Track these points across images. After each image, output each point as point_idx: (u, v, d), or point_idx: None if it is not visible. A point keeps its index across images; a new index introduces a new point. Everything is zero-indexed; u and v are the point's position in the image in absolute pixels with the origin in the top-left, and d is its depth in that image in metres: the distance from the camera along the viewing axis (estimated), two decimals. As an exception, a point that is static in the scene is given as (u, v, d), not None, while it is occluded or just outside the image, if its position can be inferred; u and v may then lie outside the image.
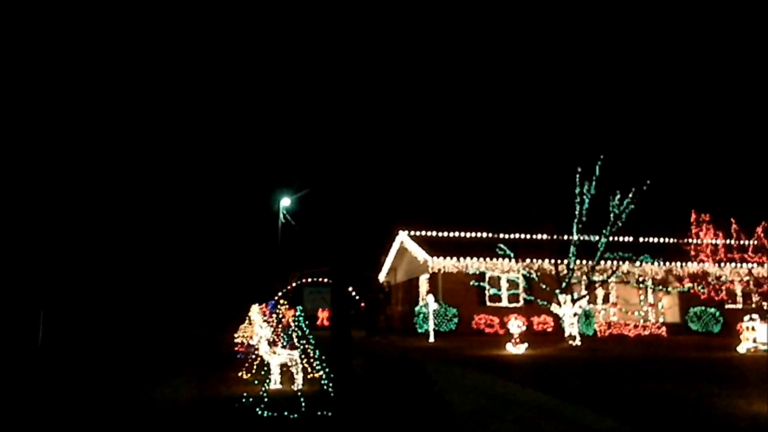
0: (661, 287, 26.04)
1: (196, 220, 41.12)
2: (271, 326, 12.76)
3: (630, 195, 20.59)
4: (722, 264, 24.59)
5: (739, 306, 28.14)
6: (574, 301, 20.83)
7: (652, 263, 25.56)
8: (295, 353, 11.50)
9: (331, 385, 9.97)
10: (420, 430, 7.33)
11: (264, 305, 14.94)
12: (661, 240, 29.84)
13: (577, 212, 21.28)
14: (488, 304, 27.43)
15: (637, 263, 24.77)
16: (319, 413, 8.68)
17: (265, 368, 11.40)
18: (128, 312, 29.64)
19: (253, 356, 12.36)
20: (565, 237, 22.50)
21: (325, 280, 37.14)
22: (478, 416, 8.95)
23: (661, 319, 28.62)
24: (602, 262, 22.84)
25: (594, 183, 20.92)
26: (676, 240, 28.10)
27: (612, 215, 20.84)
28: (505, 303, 27.53)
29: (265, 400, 9.16)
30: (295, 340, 11.83)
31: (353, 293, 34.59)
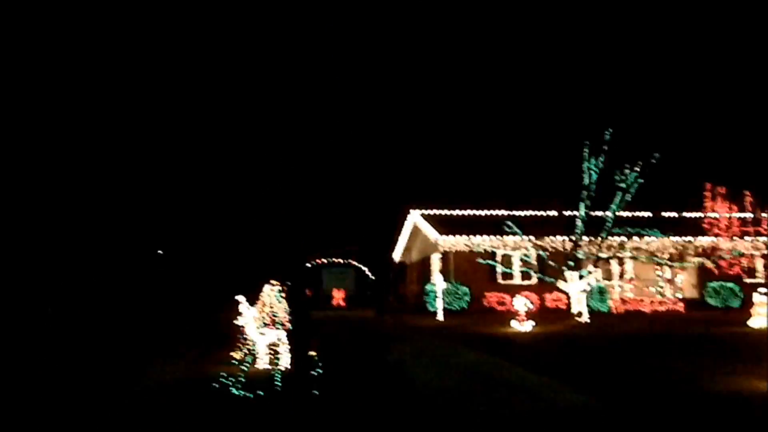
0: (670, 262, 25.54)
1: (201, 202, 41.27)
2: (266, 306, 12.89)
3: (637, 169, 20.10)
4: (735, 238, 23.96)
5: (761, 280, 27.48)
6: (581, 278, 20.54)
7: (663, 237, 25.04)
8: (282, 333, 11.59)
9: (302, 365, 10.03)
10: (376, 407, 7.32)
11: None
12: (678, 214, 29.21)
13: (585, 187, 20.88)
14: (500, 281, 27.24)
15: (648, 238, 24.30)
16: (287, 392, 8.73)
17: (252, 348, 11.48)
18: (132, 295, 30.08)
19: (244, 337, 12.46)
20: (578, 213, 22.15)
21: (341, 260, 37.20)
22: (450, 393, 8.92)
23: (679, 295, 28.12)
24: (611, 237, 22.42)
25: (602, 157, 20.49)
26: (692, 214, 27.45)
27: (620, 190, 20.40)
28: (517, 281, 27.32)
29: (242, 379, 9.23)
30: (281, 318, 11.92)
31: (367, 273, 34.71)
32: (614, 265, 28.15)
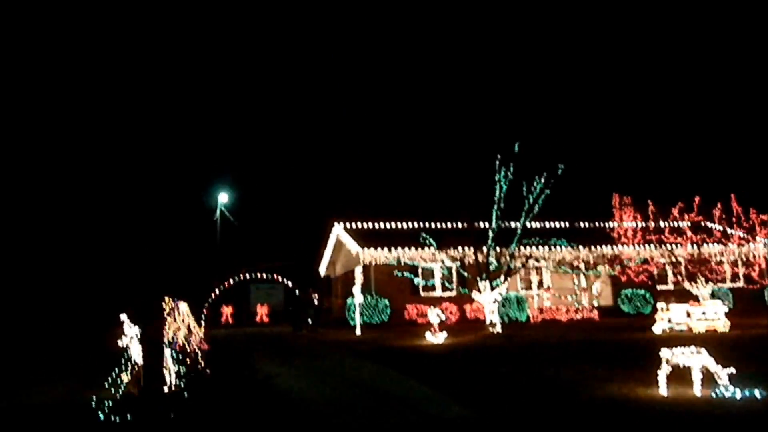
0: (577, 271, 26.25)
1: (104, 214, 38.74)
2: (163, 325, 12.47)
3: (543, 180, 20.59)
4: (639, 246, 24.85)
5: (671, 287, 28.56)
6: (493, 289, 20.81)
7: (570, 247, 25.72)
8: (168, 353, 11.20)
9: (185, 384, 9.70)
10: (238, 423, 7.12)
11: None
12: (590, 224, 30.12)
13: (496, 199, 21.24)
14: (422, 294, 27.36)
15: (558, 248, 24.88)
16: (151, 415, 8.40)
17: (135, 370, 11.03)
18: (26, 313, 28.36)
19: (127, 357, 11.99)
20: (491, 225, 22.47)
21: (268, 276, 36.63)
22: (330, 408, 8.78)
23: (595, 303, 28.90)
24: (521, 248, 22.86)
25: (512, 168, 20.89)
26: (604, 224, 28.34)
27: (526, 202, 20.84)
28: (438, 293, 27.51)
29: (114, 402, 8.85)
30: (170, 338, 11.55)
31: (293, 288, 34.25)
32: (533, 275, 28.73)
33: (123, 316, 11.16)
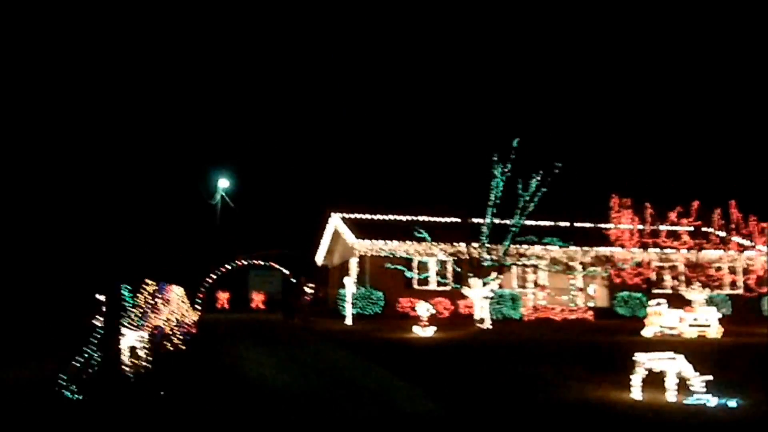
0: (571, 271, 26.10)
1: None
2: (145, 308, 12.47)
3: (539, 178, 20.42)
4: (635, 248, 24.65)
5: (668, 291, 28.32)
6: (485, 285, 20.68)
7: (564, 246, 25.53)
8: (145, 334, 11.17)
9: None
10: (202, 410, 7.04)
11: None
12: (594, 225, 29.84)
13: (492, 195, 21.09)
14: (416, 287, 27.25)
15: (552, 247, 24.71)
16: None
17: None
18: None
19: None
20: (486, 221, 22.32)
21: (265, 263, 36.41)
22: (298, 398, 8.69)
23: (590, 304, 28.70)
24: (515, 245, 22.71)
25: (509, 165, 20.73)
26: (600, 225, 28.11)
27: (521, 200, 20.70)
28: (433, 287, 27.39)
29: (81, 382, 8.80)
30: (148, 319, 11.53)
31: (290, 276, 34.26)
32: (529, 273, 28.55)
33: (101, 297, 11.11)
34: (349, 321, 22.81)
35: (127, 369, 9.79)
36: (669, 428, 7.55)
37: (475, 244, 21.52)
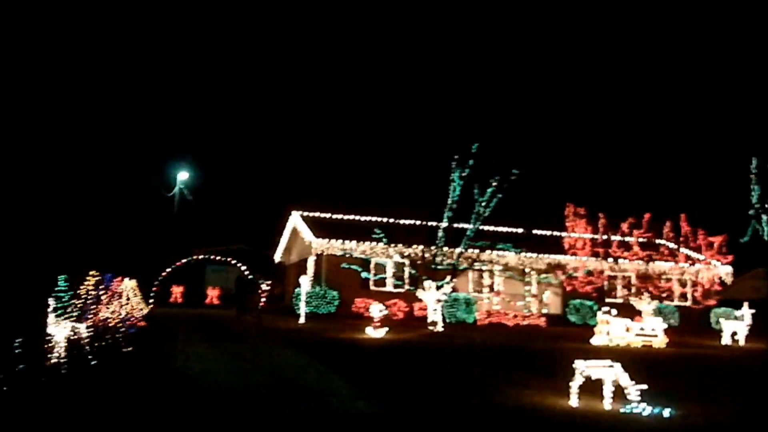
0: (520, 277, 26.40)
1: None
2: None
3: (495, 183, 20.59)
4: (587, 257, 25.02)
5: (619, 300, 28.81)
6: (439, 288, 20.74)
7: (517, 253, 25.80)
8: (82, 326, 10.87)
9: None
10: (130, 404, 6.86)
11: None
12: (544, 233, 30.26)
13: (449, 199, 21.17)
14: (372, 288, 27.19)
15: (506, 252, 24.94)
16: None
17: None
18: None
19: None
20: (455, 225, 22.38)
21: (222, 258, 35.86)
22: (235, 395, 8.55)
23: (544, 310, 29.02)
24: (469, 250, 22.84)
25: (467, 171, 20.81)
26: (556, 233, 28.49)
27: (477, 205, 20.82)
28: (389, 288, 27.36)
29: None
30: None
31: (244, 272, 33.82)
32: (485, 278, 28.74)
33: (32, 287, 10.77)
34: (302, 320, 22.64)
35: (58, 361, 9.51)
36: (600, 435, 7.63)
37: (432, 247, 21.56)
